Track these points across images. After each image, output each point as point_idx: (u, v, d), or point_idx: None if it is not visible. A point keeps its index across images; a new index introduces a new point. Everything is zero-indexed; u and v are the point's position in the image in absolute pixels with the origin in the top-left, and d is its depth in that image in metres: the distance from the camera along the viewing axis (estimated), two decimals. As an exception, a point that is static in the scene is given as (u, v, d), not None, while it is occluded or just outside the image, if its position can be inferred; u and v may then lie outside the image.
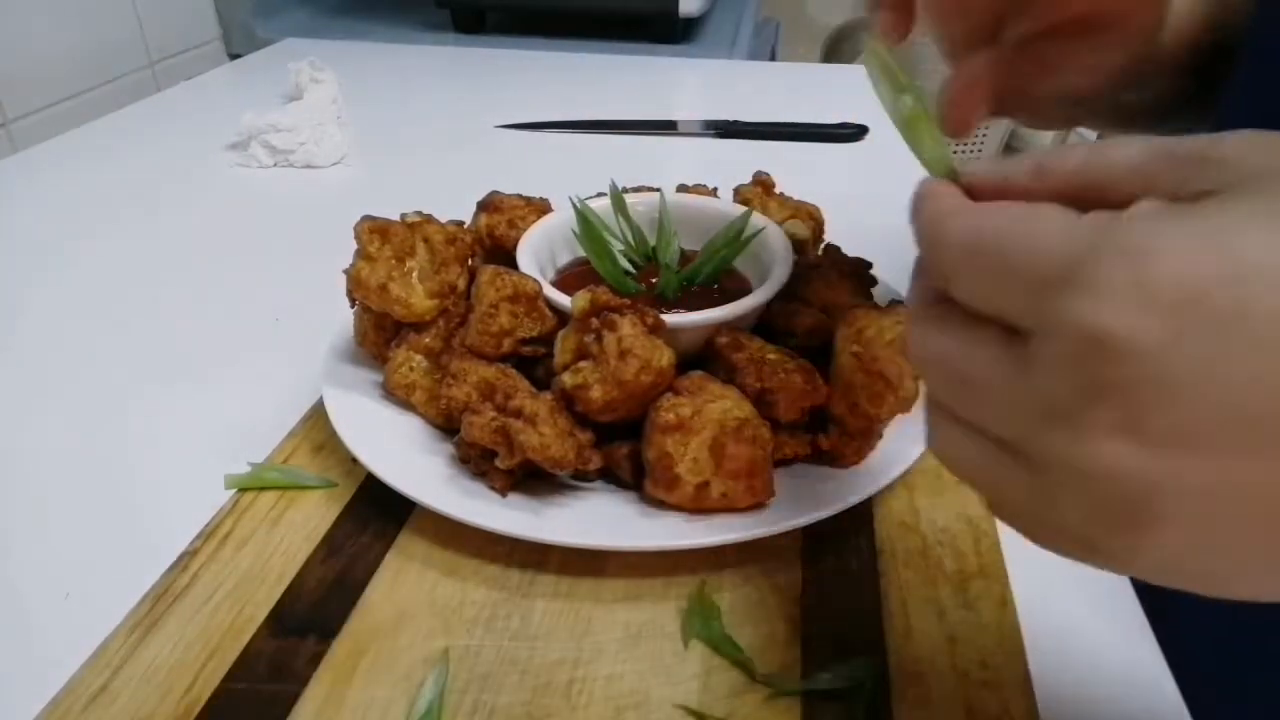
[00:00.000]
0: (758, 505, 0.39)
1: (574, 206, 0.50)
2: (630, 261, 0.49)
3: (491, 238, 0.50)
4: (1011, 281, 0.21)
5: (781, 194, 0.55)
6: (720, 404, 0.39)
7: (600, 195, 0.52)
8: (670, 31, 1.23)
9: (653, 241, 0.50)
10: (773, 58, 1.60)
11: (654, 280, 0.47)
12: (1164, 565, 0.21)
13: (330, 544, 0.40)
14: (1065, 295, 0.20)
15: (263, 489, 0.43)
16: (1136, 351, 0.19)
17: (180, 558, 0.39)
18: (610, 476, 0.42)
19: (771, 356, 0.41)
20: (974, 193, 0.24)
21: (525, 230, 0.49)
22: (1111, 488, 0.20)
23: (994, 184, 0.24)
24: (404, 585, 0.38)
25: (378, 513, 0.41)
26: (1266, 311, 0.18)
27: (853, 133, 0.91)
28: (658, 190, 0.53)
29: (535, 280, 0.44)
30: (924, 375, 0.25)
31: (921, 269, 0.25)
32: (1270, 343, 0.18)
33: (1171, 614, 0.39)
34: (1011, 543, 0.40)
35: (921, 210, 0.24)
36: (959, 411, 0.24)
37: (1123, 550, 0.21)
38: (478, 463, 0.41)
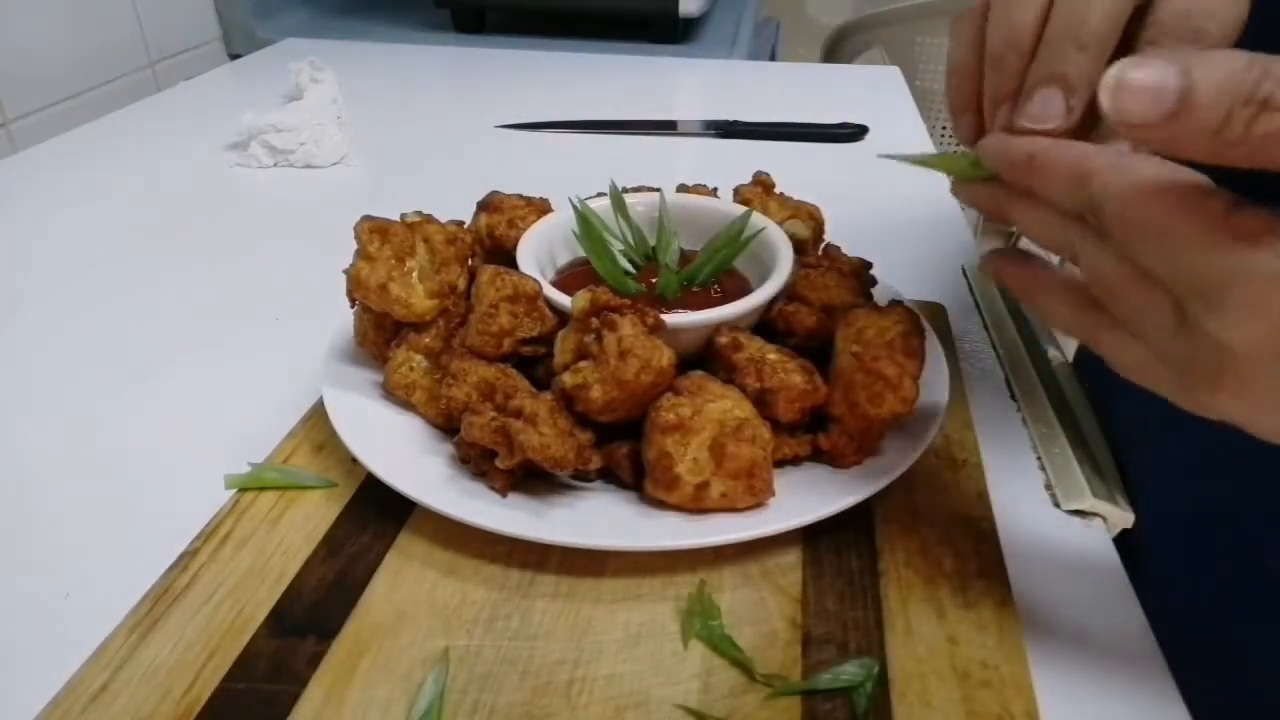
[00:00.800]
0: (758, 505, 0.39)
1: (574, 207, 0.50)
2: (630, 261, 0.49)
3: (491, 238, 0.50)
4: (1166, 270, 0.25)
5: (781, 194, 0.55)
6: (720, 404, 0.39)
7: (600, 195, 0.52)
8: (670, 31, 1.23)
9: (653, 241, 0.50)
10: (773, 58, 1.60)
11: (654, 280, 0.47)
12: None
13: (330, 544, 0.40)
14: (1210, 313, 0.24)
15: (263, 489, 0.43)
16: (1252, 360, 0.24)
17: (180, 558, 0.39)
18: (610, 476, 0.42)
19: (771, 356, 0.41)
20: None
21: (525, 230, 0.49)
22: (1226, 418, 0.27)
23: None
24: (404, 585, 0.38)
25: (378, 513, 0.41)
26: None
27: (853, 133, 0.91)
28: (658, 190, 0.53)
29: (535, 280, 0.44)
30: (1087, 277, 0.29)
31: (1052, 178, 0.28)
32: None
33: (1172, 616, 0.39)
34: (1012, 543, 0.40)
35: (1057, 164, 0.28)
36: (1118, 316, 0.28)
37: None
38: (478, 463, 0.41)
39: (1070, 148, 0.28)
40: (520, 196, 0.51)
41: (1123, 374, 0.30)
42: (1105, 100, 0.23)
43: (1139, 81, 0.23)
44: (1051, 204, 0.29)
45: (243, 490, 0.43)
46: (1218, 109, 0.22)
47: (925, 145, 0.90)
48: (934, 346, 0.46)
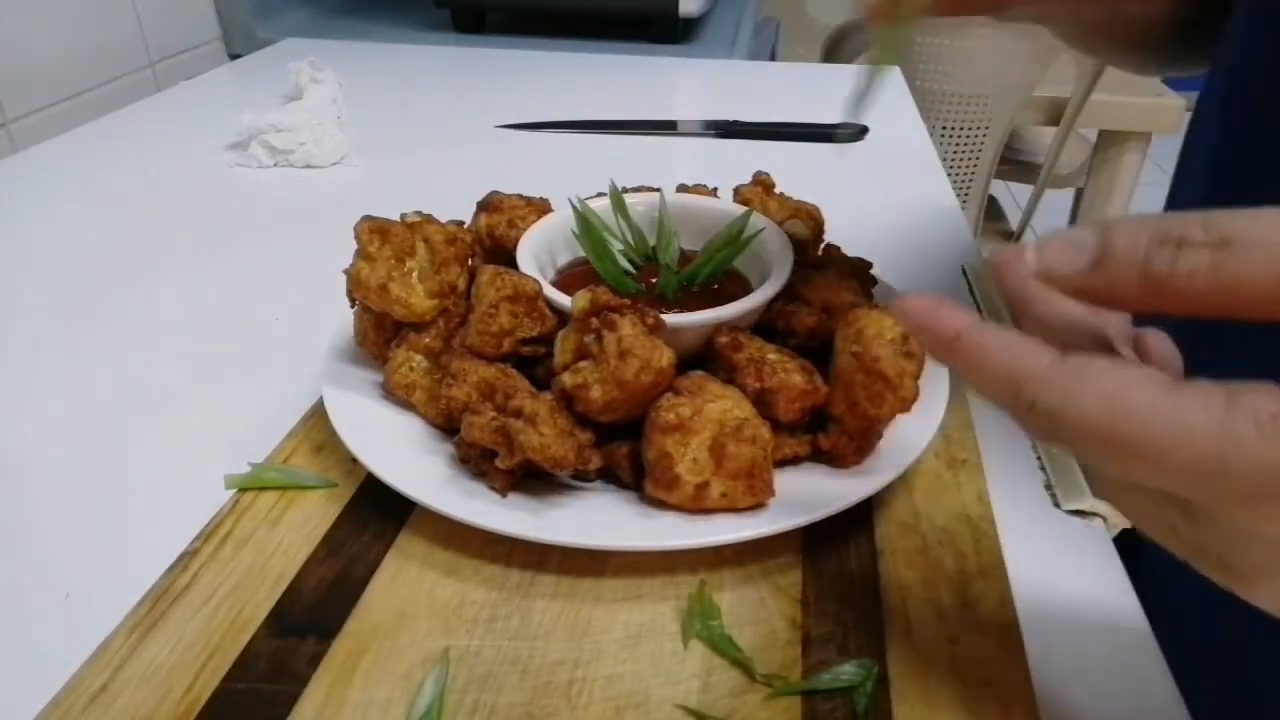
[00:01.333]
0: (758, 505, 0.39)
1: (573, 207, 0.50)
2: (630, 261, 0.49)
3: (491, 238, 0.50)
4: (1162, 476, 0.22)
5: (781, 194, 0.55)
6: (720, 404, 0.39)
7: (600, 195, 0.52)
8: (670, 31, 1.23)
9: (653, 241, 0.50)
10: (773, 58, 1.60)
11: (654, 280, 0.47)
12: None
13: (330, 544, 0.40)
14: (1241, 526, 0.22)
15: (263, 489, 0.43)
16: None
17: (180, 558, 0.39)
18: (610, 476, 0.42)
19: (771, 356, 0.41)
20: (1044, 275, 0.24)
21: (525, 230, 0.49)
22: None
23: (1079, 290, 0.23)
24: (404, 585, 0.38)
25: (378, 513, 0.41)
26: None
27: (853, 133, 0.91)
28: (658, 190, 0.53)
29: (535, 280, 0.44)
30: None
31: (977, 372, 0.24)
32: None
33: (1172, 616, 0.39)
34: (1012, 543, 0.40)
35: (984, 362, 0.24)
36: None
37: None
38: (478, 463, 0.41)
39: (1002, 338, 0.24)
40: (520, 196, 0.51)
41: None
42: (1030, 258, 0.24)
43: (1059, 238, 0.23)
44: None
45: (243, 490, 0.43)
46: (1135, 249, 0.22)
47: (925, 145, 0.90)
48: (934, 346, 0.46)
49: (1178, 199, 0.51)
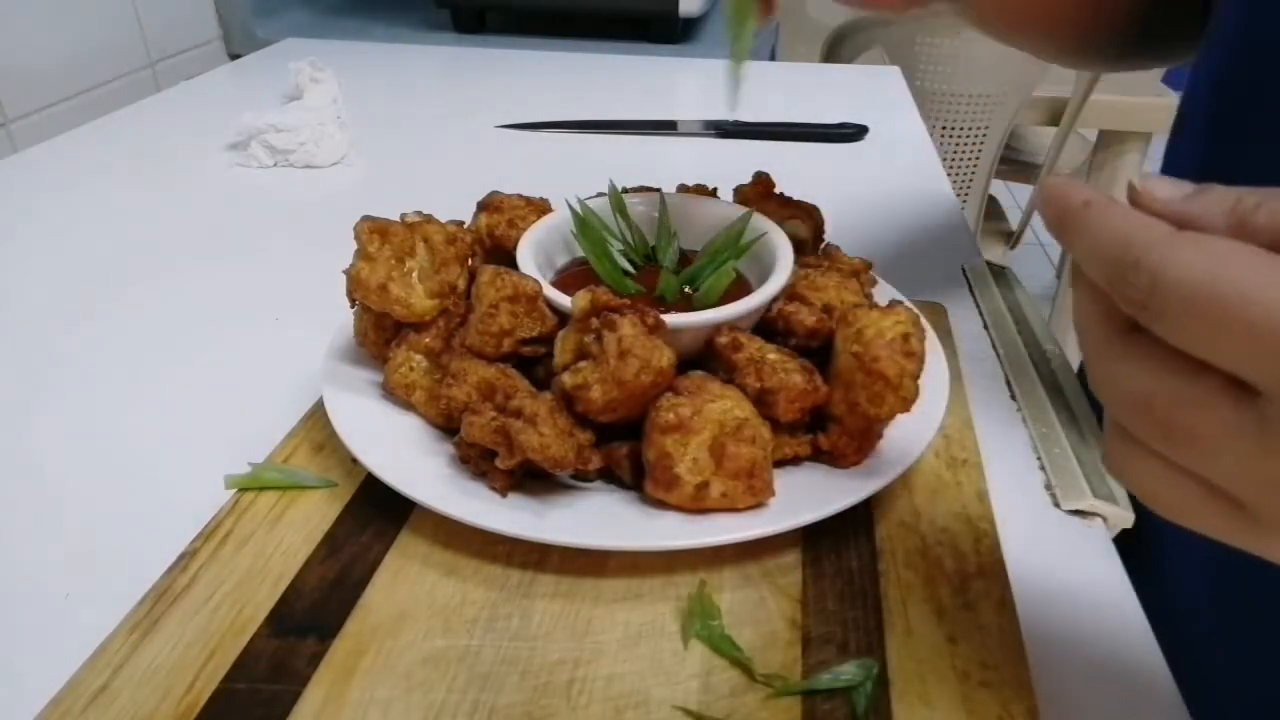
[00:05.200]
0: (758, 505, 0.39)
1: (571, 209, 0.50)
2: (630, 262, 0.49)
3: (491, 238, 0.50)
4: (1254, 344, 0.20)
5: (781, 194, 0.55)
6: (720, 404, 0.39)
7: (600, 195, 0.52)
8: (670, 31, 1.23)
9: (653, 242, 0.50)
10: (773, 58, 1.60)
11: (654, 280, 0.47)
12: None
13: (330, 544, 0.40)
14: None
15: (263, 489, 0.43)
16: None
17: (180, 558, 0.39)
18: (610, 476, 0.42)
19: (771, 356, 0.41)
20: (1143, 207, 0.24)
21: (525, 230, 0.49)
22: None
23: (1174, 214, 0.23)
24: (404, 585, 0.38)
25: (378, 513, 0.41)
26: None
27: (853, 133, 0.91)
28: (658, 190, 0.53)
29: (535, 280, 0.44)
30: (1117, 412, 0.24)
31: (1092, 288, 0.24)
32: None
33: (1173, 616, 0.39)
34: (1012, 543, 0.40)
35: (1104, 225, 0.23)
36: (1171, 455, 0.23)
37: None
38: (478, 463, 0.41)
39: (1127, 208, 0.24)
40: (520, 196, 0.51)
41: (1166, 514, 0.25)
42: (1134, 181, 0.24)
43: (1157, 178, 0.24)
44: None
45: (243, 490, 0.43)
46: (1230, 192, 0.23)
47: (925, 145, 0.90)
48: (934, 346, 0.46)
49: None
